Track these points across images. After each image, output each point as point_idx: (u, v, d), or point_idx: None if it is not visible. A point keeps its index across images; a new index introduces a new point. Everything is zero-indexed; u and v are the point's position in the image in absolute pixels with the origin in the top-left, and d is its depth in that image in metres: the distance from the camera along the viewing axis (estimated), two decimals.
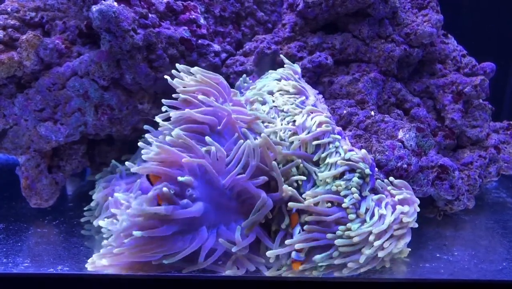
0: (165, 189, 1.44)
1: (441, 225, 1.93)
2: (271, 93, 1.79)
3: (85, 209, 1.86)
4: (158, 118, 1.60)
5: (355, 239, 1.45)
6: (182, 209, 1.44)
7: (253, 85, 1.91)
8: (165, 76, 1.66)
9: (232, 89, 1.81)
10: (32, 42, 1.77)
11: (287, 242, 1.48)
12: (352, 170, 1.56)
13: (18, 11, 1.87)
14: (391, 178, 1.66)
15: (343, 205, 1.50)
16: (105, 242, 1.50)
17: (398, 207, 1.54)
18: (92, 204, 1.82)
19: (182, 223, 1.45)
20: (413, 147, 1.82)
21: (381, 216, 1.51)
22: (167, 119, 1.62)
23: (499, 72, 2.29)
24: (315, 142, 1.60)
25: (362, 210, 1.50)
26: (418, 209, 1.57)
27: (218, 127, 1.59)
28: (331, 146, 1.60)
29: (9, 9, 1.86)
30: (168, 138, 1.52)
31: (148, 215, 1.41)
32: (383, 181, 1.67)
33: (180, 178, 1.46)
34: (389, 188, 1.63)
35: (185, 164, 1.49)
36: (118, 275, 1.43)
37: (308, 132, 1.61)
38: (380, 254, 1.47)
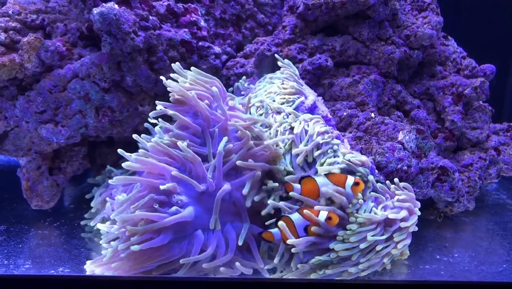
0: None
1: (441, 227, 1.93)
2: (271, 96, 1.79)
3: (85, 216, 1.86)
4: (160, 108, 1.61)
5: (352, 239, 1.45)
6: (173, 215, 1.43)
7: (252, 88, 1.92)
8: (161, 77, 1.66)
9: (229, 94, 1.81)
10: (33, 45, 1.78)
11: (289, 241, 1.47)
12: (351, 173, 1.56)
13: (19, 14, 1.88)
14: (396, 180, 1.66)
15: (347, 210, 1.50)
16: (104, 244, 1.50)
17: (395, 211, 1.54)
18: (93, 210, 1.82)
19: (176, 229, 1.44)
20: (413, 148, 1.82)
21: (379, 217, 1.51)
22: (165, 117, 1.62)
23: (499, 74, 2.29)
24: (316, 153, 1.59)
25: (361, 212, 1.50)
26: (419, 213, 1.56)
27: (211, 129, 1.59)
28: (329, 150, 1.60)
29: (10, 12, 1.87)
30: (149, 144, 1.52)
31: (142, 230, 1.40)
32: (383, 183, 1.67)
33: (162, 187, 1.44)
34: (392, 186, 1.62)
35: (165, 171, 1.49)
36: (118, 276, 1.43)
37: (307, 142, 1.61)
38: (385, 259, 1.48)
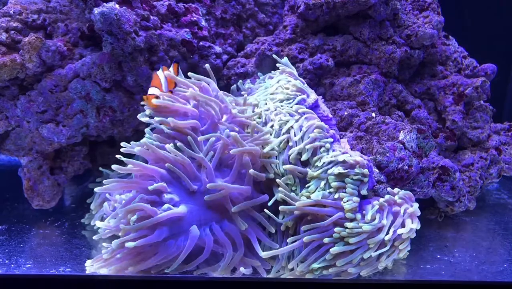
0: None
1: (442, 227, 1.94)
2: (272, 97, 1.79)
3: (86, 216, 1.87)
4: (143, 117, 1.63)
5: (352, 240, 1.45)
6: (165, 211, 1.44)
7: (253, 87, 1.92)
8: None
9: (226, 93, 1.81)
10: (35, 45, 1.78)
11: (280, 249, 1.49)
12: (346, 174, 1.56)
13: (20, 14, 1.88)
14: (396, 189, 1.63)
15: (345, 208, 1.50)
16: (104, 244, 1.51)
17: (398, 220, 1.52)
18: (93, 212, 1.82)
19: (171, 225, 1.44)
20: (414, 148, 1.82)
21: (382, 226, 1.49)
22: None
23: (500, 74, 2.29)
24: (308, 146, 1.59)
25: (367, 217, 1.49)
26: (419, 226, 1.54)
27: (202, 128, 1.59)
28: (322, 149, 1.59)
29: (11, 12, 1.87)
30: (137, 149, 1.53)
31: (136, 227, 1.41)
32: (383, 183, 1.67)
33: (150, 187, 1.45)
34: (396, 197, 1.59)
35: (155, 173, 1.50)
36: (120, 276, 1.43)
37: (302, 138, 1.61)
38: (380, 266, 1.48)
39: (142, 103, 1.60)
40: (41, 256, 1.61)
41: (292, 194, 1.54)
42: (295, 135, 1.60)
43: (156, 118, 1.58)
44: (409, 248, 1.52)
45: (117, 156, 1.55)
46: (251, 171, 1.52)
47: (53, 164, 1.98)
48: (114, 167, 1.50)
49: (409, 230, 1.50)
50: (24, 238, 1.74)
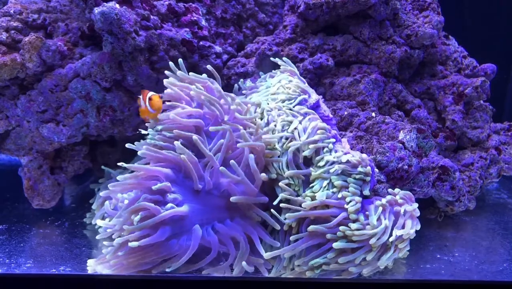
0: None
1: (442, 226, 1.94)
2: (273, 97, 1.79)
3: (87, 215, 1.88)
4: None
5: (355, 238, 1.45)
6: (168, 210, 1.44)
7: (254, 86, 1.92)
8: (166, 72, 1.69)
9: (228, 94, 1.81)
10: (35, 44, 1.78)
11: (285, 249, 1.49)
12: (348, 174, 1.56)
13: (21, 13, 1.88)
14: (397, 190, 1.63)
15: (349, 209, 1.50)
16: (105, 243, 1.51)
17: (400, 221, 1.53)
18: (95, 212, 1.82)
19: (173, 224, 1.44)
20: (414, 148, 1.82)
21: (386, 228, 1.50)
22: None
23: (500, 73, 2.29)
24: (311, 146, 1.59)
25: (373, 221, 1.49)
26: (419, 226, 1.55)
27: (206, 128, 1.60)
28: (325, 150, 1.59)
29: (12, 11, 1.87)
30: (140, 152, 1.53)
31: (139, 227, 1.41)
32: (384, 182, 1.67)
33: (154, 187, 1.45)
34: (397, 197, 1.59)
35: (159, 173, 1.50)
36: (120, 275, 1.43)
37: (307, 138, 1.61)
38: (380, 265, 1.48)
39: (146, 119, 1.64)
40: (41, 256, 1.61)
41: (298, 197, 1.54)
42: (299, 137, 1.61)
43: (159, 127, 1.60)
44: (408, 248, 1.52)
45: (119, 164, 1.55)
46: (263, 174, 1.53)
47: (53, 164, 1.98)
48: (119, 177, 1.51)
49: (409, 231, 1.50)
50: (24, 238, 1.74)
